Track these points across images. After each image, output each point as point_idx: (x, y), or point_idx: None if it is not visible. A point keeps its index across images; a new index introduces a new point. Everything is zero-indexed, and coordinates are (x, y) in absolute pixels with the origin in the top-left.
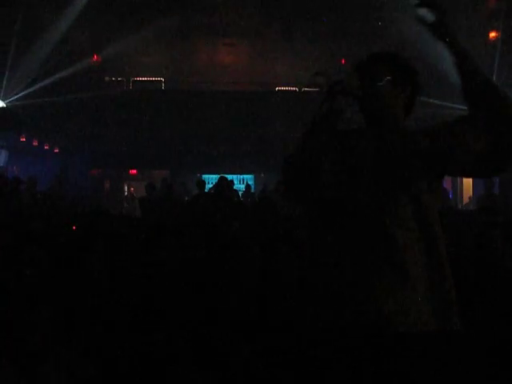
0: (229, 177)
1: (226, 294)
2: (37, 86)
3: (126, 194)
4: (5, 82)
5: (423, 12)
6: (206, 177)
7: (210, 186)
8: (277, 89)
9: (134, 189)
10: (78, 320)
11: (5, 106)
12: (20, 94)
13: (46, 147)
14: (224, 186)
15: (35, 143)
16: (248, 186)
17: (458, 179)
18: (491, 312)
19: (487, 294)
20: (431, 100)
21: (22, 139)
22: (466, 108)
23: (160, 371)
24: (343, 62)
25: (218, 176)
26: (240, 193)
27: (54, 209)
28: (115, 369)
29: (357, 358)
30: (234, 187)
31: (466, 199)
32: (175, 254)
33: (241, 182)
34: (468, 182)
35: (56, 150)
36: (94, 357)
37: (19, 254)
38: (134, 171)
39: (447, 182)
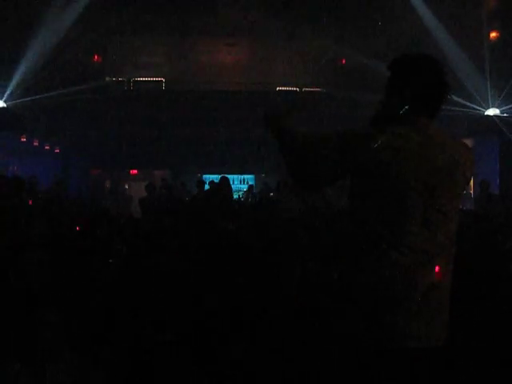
0: (229, 177)
1: (225, 293)
2: (37, 86)
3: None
4: (5, 82)
5: None
6: (206, 177)
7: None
8: (277, 89)
9: (130, 188)
10: (78, 321)
11: (5, 106)
12: (20, 94)
13: (46, 147)
14: (224, 185)
15: (35, 143)
16: (250, 186)
17: None
18: (491, 312)
19: (487, 293)
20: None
21: (22, 139)
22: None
23: (160, 371)
24: (343, 62)
25: (219, 176)
26: (241, 193)
27: (54, 210)
28: (117, 369)
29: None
30: (236, 187)
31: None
32: (174, 253)
33: (242, 182)
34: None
35: (56, 150)
36: (95, 357)
37: (22, 255)
38: (134, 171)
39: None
